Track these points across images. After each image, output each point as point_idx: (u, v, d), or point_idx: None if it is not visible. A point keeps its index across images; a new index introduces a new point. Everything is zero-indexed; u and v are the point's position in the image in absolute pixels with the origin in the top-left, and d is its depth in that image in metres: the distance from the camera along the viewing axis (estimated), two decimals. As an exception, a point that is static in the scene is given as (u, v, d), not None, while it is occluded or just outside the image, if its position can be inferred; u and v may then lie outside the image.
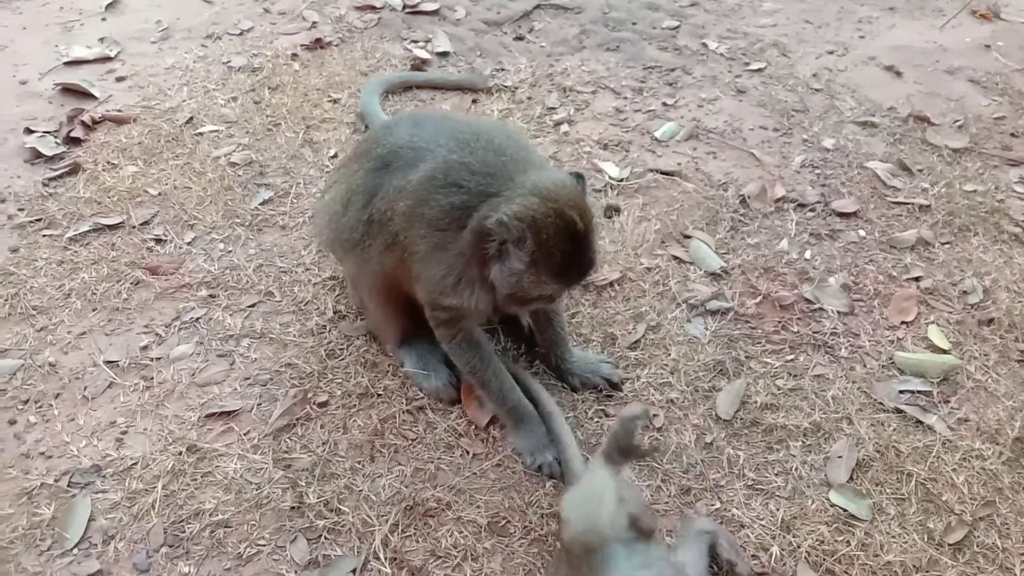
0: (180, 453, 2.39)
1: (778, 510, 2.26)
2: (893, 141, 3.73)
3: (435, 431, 2.47)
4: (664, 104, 3.94)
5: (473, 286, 2.24)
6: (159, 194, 3.29)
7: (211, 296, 2.86)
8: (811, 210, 3.30)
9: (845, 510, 2.25)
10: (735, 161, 3.57)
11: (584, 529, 1.88)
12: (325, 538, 2.21)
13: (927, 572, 2.13)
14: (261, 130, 3.68)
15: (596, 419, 2.49)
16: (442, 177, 2.21)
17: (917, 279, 2.98)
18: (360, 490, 2.31)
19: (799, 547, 2.17)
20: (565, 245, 2.10)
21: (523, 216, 2.07)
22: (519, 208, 2.08)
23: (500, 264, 2.15)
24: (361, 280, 2.55)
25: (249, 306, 2.83)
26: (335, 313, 2.80)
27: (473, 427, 2.47)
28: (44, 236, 3.10)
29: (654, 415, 2.49)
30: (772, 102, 3.98)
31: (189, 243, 3.07)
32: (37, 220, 3.17)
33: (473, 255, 2.16)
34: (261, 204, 3.24)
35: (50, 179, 3.39)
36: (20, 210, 3.22)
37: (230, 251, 3.04)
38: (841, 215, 3.28)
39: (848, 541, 2.18)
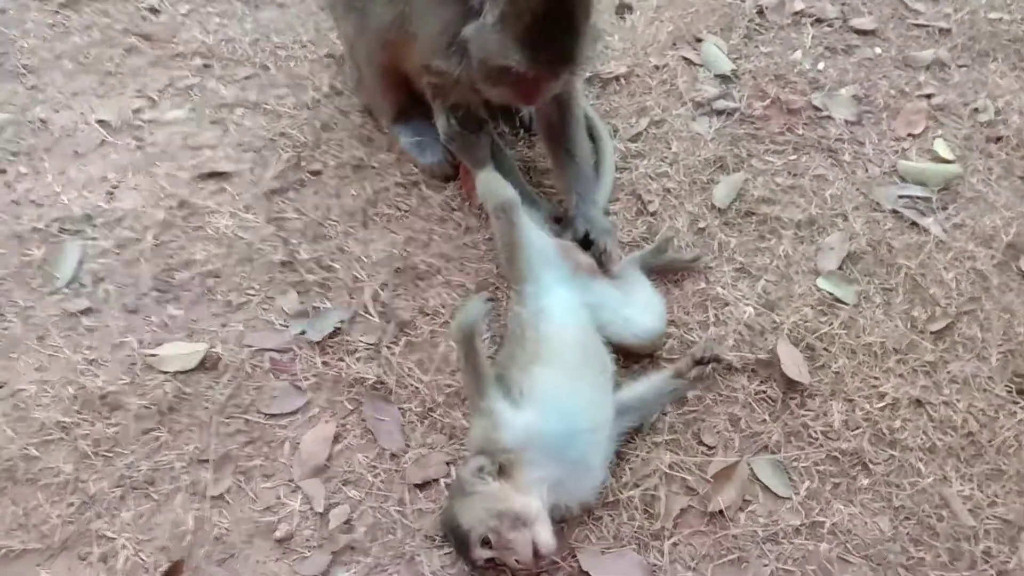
0: (171, 208, 2.38)
1: (764, 291, 2.27)
2: (921, -34, 3.57)
3: (429, 204, 2.45)
4: (686, -85, 3.74)
5: (463, 52, 2.05)
6: (154, -34, 3.16)
7: (205, 66, 2.80)
8: (828, 25, 3.19)
9: (831, 294, 2.27)
10: (755, -26, 3.41)
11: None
12: (315, 292, 2.23)
13: (906, 354, 2.17)
14: (261, -90, 3.51)
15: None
16: None
17: (929, 96, 2.91)
18: (352, 251, 2.31)
19: (781, 324, 2.19)
20: (538, 7, 1.87)
21: None
22: None
23: (476, 22, 1.97)
24: (360, 45, 2.45)
25: (244, 78, 2.77)
26: (331, 89, 2.74)
27: (467, 203, 2.45)
28: (34, 0, 3.00)
29: (649, 201, 2.47)
30: (799, -81, 3.78)
31: (184, 14, 2.98)
32: (26, -16, 3.06)
33: (460, 6, 2.00)
34: (259, -19, 3.13)
35: (39, -53, 3.25)
36: (8, -26, 3.10)
37: (226, 24, 2.95)
38: (859, 32, 3.17)
39: (831, 322, 2.21)
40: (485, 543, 1.68)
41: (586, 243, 2.24)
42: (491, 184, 2.10)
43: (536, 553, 1.66)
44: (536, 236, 2.09)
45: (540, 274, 2.04)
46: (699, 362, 2.02)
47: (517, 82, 2.03)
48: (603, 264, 2.20)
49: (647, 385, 2.02)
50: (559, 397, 1.84)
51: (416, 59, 2.25)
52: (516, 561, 1.67)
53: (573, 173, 2.36)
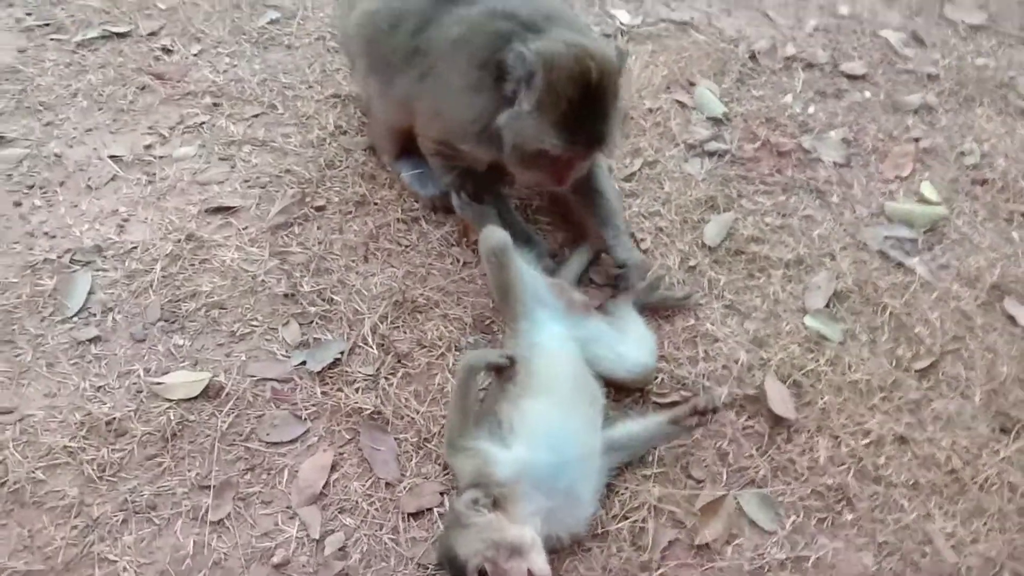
0: (179, 241, 2.46)
1: (752, 328, 2.33)
2: (910, 14, 3.69)
3: (428, 240, 2.53)
4: (683, -38, 3.87)
5: (495, 138, 2.16)
6: (168, 8, 3.28)
7: (215, 105, 2.89)
8: (819, 70, 3.29)
9: (818, 332, 2.33)
10: (748, 19, 3.53)
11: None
12: (317, 323, 2.30)
13: (891, 392, 2.22)
14: (272, -46, 3.64)
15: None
16: (500, 8, 2.15)
17: (916, 139, 3.00)
18: (352, 285, 2.38)
19: (769, 361, 2.25)
20: (574, 94, 2.02)
21: (541, 51, 2.01)
22: (540, 46, 2.03)
23: (511, 108, 2.09)
24: (377, 101, 2.53)
25: (252, 116, 2.86)
26: (336, 128, 2.83)
27: (465, 239, 2.53)
28: (52, 40, 3.11)
29: (641, 239, 2.54)
30: (793, -33, 3.90)
31: (196, 55, 3.08)
32: (46, 24, 3.17)
33: (494, 95, 2.12)
34: (268, 23, 3.24)
35: (59, -12, 3.37)
36: (28, 14, 3.21)
37: (235, 65, 3.05)
38: (849, 76, 3.27)
39: (817, 359, 2.27)
40: (482, 573, 1.73)
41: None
42: (486, 230, 2.17)
43: None
44: (530, 276, 2.16)
45: (534, 312, 2.11)
46: (698, 412, 2.04)
47: (551, 164, 2.15)
48: (623, 291, 2.32)
49: (642, 425, 2.06)
50: (549, 428, 1.91)
51: (434, 133, 2.34)
52: None
53: (606, 210, 2.42)
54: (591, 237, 2.47)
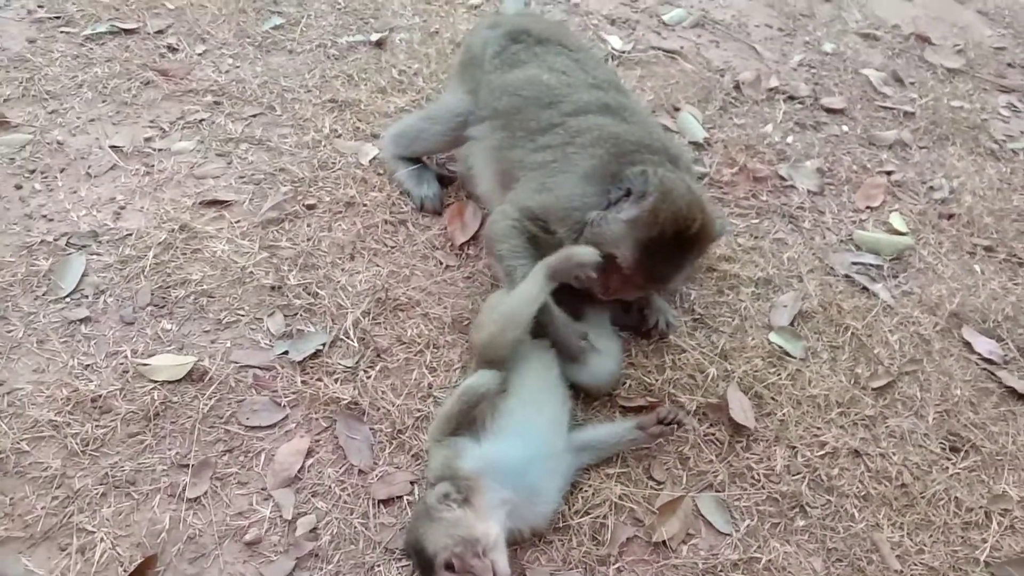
0: (173, 230, 2.54)
1: (719, 341, 2.43)
2: (891, 55, 3.83)
3: (414, 242, 2.62)
4: (676, -7, 4.02)
5: (576, 229, 2.24)
6: (176, 8, 3.40)
7: (216, 103, 2.99)
8: (800, 103, 3.42)
9: (781, 347, 2.43)
10: (736, 52, 3.67)
11: (486, 343, 2.11)
12: (301, 315, 2.38)
13: (848, 408, 2.32)
14: (279, -36, 3.76)
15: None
16: (658, 134, 2.29)
17: (889, 172, 3.12)
18: (338, 281, 2.47)
19: (733, 372, 2.35)
20: (668, 230, 2.11)
21: (664, 180, 2.12)
22: (665, 176, 2.14)
23: (606, 211, 2.19)
24: (471, 142, 2.60)
25: (251, 116, 2.96)
26: (331, 131, 2.93)
27: (449, 243, 2.62)
28: (62, 32, 3.22)
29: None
30: (781, 4, 4.06)
31: (200, 54, 3.19)
32: (56, 17, 3.28)
33: (601, 192, 2.21)
34: (272, 28, 3.36)
35: (70, -16, 3.48)
36: (40, 7, 3.32)
37: (238, 66, 3.16)
38: (828, 110, 3.40)
39: (779, 373, 2.37)
40: (449, 567, 1.80)
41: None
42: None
43: None
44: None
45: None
46: (662, 422, 2.13)
47: (611, 273, 2.20)
48: (662, 335, 2.42)
49: (610, 430, 2.15)
50: (519, 427, 1.99)
51: (531, 204, 2.31)
52: None
53: None
54: None
